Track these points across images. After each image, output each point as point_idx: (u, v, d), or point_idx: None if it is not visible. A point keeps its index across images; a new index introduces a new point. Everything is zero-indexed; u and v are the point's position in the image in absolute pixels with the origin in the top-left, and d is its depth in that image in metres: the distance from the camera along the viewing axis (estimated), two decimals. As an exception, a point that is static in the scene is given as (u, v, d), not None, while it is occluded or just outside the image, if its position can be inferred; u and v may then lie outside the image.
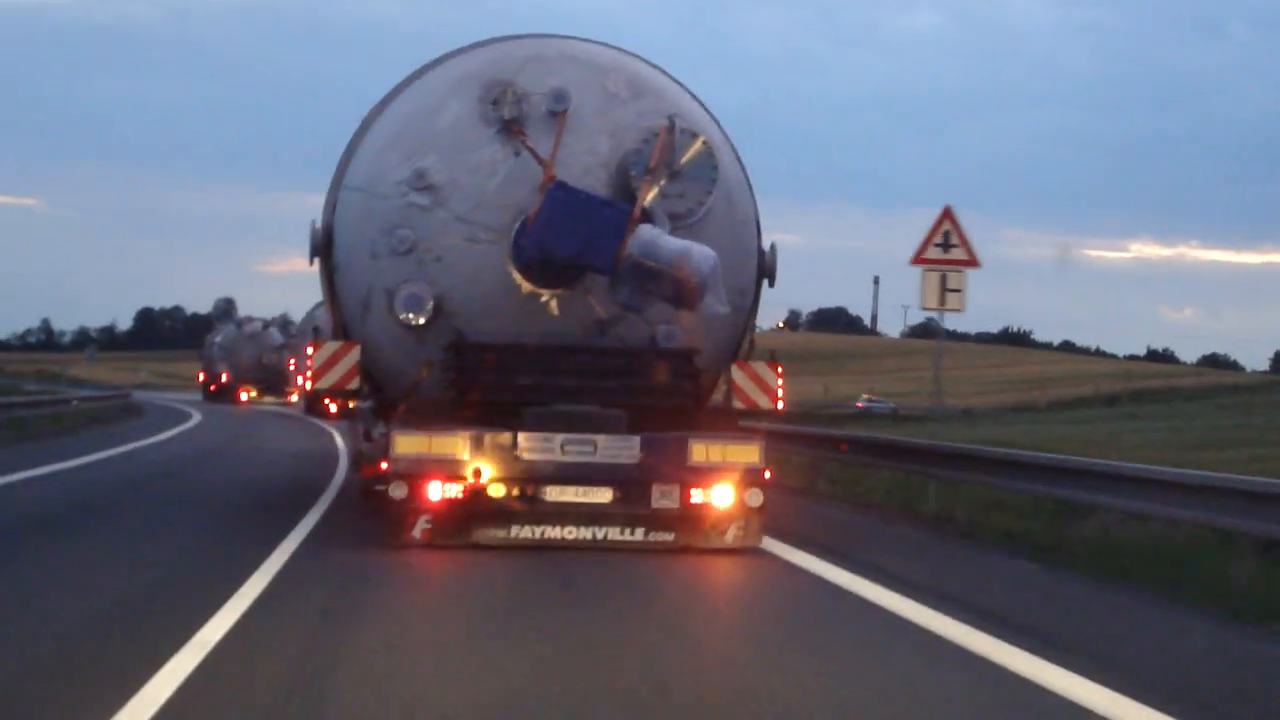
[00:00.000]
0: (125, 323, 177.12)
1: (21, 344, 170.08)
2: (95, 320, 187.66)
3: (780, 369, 15.77)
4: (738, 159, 16.05)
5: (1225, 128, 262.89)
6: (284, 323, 71.72)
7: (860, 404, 73.24)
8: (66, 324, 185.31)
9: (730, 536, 14.08)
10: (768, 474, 14.21)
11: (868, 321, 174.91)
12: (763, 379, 15.67)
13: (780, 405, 15.71)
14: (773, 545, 14.49)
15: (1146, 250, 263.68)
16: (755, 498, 14.03)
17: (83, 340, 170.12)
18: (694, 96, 16.12)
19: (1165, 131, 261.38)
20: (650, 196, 14.75)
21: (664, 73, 16.15)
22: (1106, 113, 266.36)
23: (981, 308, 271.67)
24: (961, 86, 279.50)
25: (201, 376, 75.64)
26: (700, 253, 14.36)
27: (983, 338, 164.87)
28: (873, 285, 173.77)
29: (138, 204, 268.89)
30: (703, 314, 14.62)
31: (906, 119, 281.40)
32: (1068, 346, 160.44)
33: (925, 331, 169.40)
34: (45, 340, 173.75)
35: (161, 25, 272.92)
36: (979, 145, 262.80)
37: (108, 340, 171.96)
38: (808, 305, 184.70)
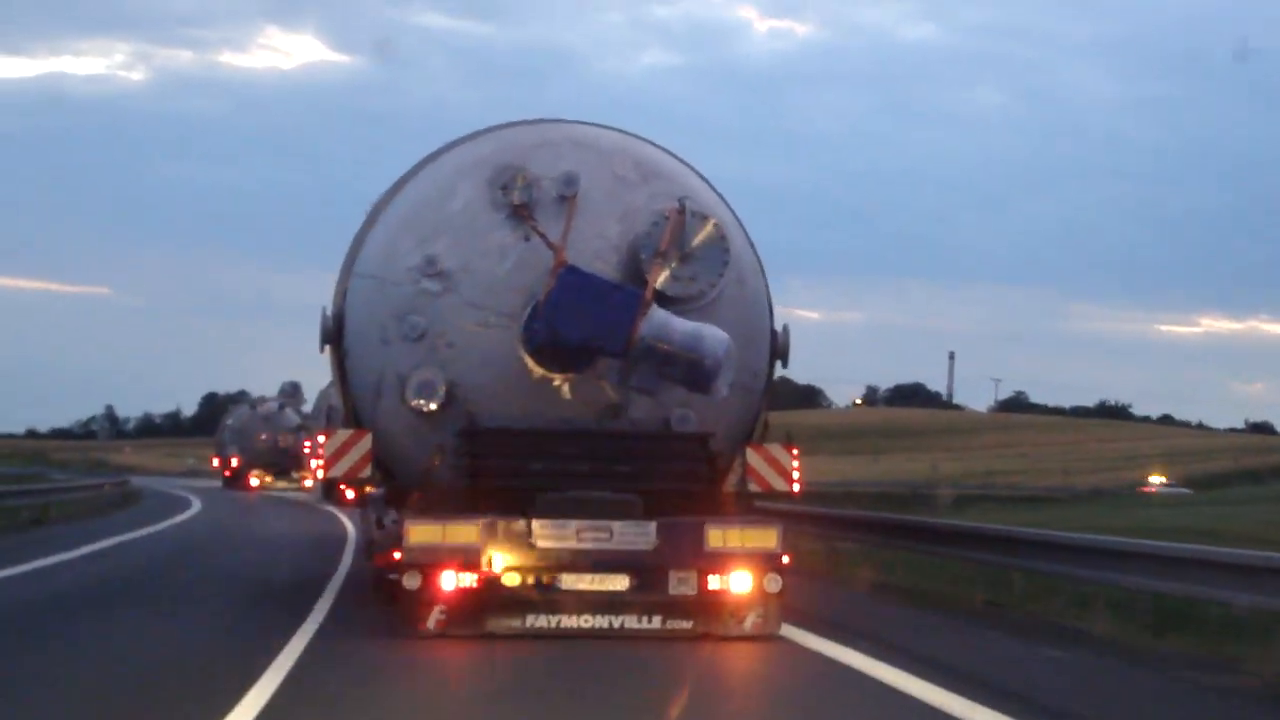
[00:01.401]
0: (190, 408, 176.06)
1: (84, 432, 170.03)
2: (160, 406, 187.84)
3: (796, 451, 15.61)
4: (749, 240, 16.00)
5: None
6: (290, 393, 68.87)
7: (1150, 488, 67.52)
8: (132, 410, 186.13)
9: (749, 624, 13.90)
10: (786, 559, 14.05)
11: (957, 397, 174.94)
12: (778, 461, 15.53)
13: (796, 488, 15.55)
14: (793, 633, 14.29)
15: (1217, 324, 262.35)
16: (774, 583, 13.86)
17: (146, 427, 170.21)
18: (703, 178, 16.10)
19: (1232, 204, 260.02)
20: (661, 279, 14.70)
21: (673, 155, 16.13)
22: (1172, 186, 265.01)
23: (1057, 382, 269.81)
24: (1026, 161, 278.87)
25: (216, 462, 71.36)
26: (713, 335, 14.30)
27: (1079, 411, 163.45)
28: (948, 360, 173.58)
29: (205, 289, 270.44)
30: (716, 397, 14.54)
31: (971, 194, 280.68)
32: (1167, 420, 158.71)
33: (1014, 405, 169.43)
34: (110, 427, 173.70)
35: (229, 114, 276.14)
36: (1045, 220, 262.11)
37: (172, 426, 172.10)
38: (884, 381, 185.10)
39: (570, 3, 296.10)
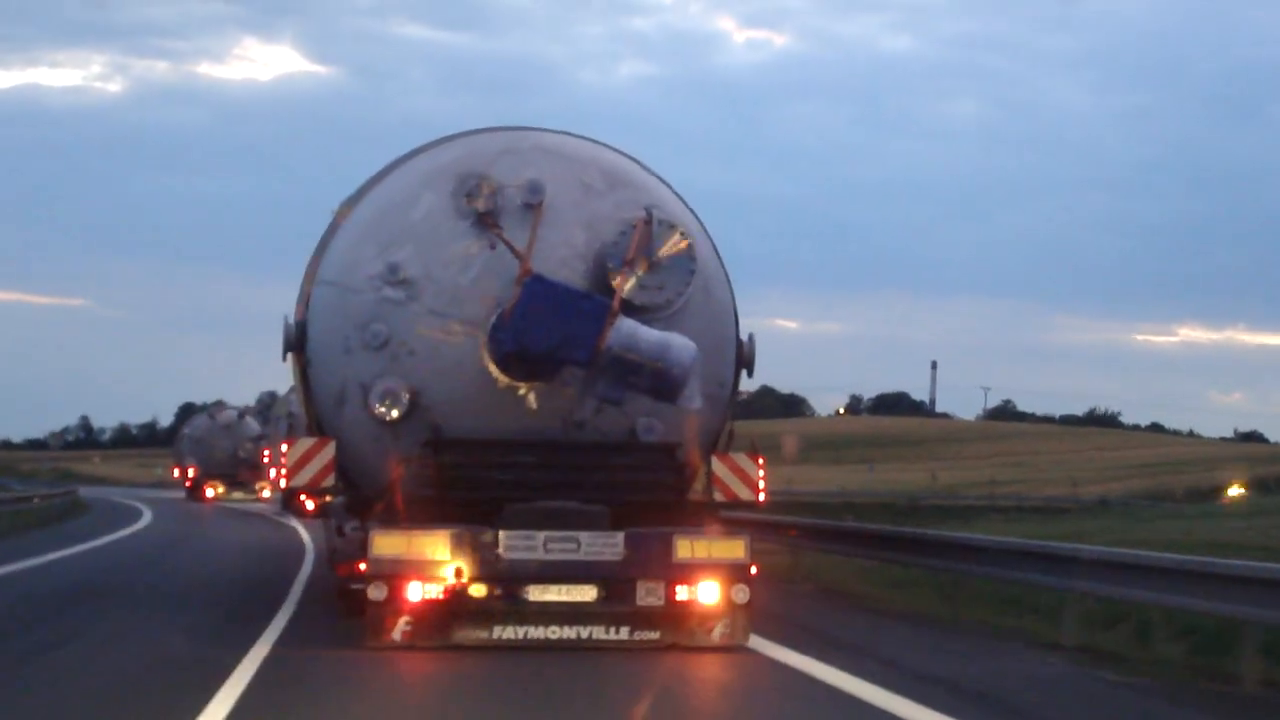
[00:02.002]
0: (166, 419, 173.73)
1: (59, 443, 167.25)
2: (139, 418, 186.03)
3: (762, 460, 15.57)
4: (715, 250, 15.94)
5: (1269, 211, 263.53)
6: (268, 403, 65.67)
7: (1228, 499, 62.01)
8: (108, 421, 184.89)
9: (717, 634, 13.86)
10: (754, 570, 14.02)
11: (940, 406, 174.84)
12: (744, 470, 15.47)
13: (762, 497, 15.50)
14: (760, 644, 14.23)
15: (1194, 335, 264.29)
16: (742, 594, 13.83)
17: (121, 438, 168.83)
18: (670, 188, 16.02)
19: (1209, 215, 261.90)
20: (628, 288, 14.63)
21: (639, 164, 16.05)
22: (1150, 198, 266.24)
23: (1037, 391, 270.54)
24: (1004, 173, 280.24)
25: (176, 472, 67.41)
26: (680, 344, 14.23)
27: (1069, 420, 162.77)
28: (930, 369, 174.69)
29: (184, 301, 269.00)
30: (682, 406, 14.48)
31: (949, 206, 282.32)
32: (1157, 428, 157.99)
33: (1003, 414, 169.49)
34: (85, 438, 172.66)
35: (206, 125, 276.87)
36: (1024, 232, 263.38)
37: (148, 437, 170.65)
38: (864, 391, 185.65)
39: (549, 14, 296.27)
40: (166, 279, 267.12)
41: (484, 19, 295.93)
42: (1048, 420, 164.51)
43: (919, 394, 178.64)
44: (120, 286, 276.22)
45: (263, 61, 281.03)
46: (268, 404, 62.19)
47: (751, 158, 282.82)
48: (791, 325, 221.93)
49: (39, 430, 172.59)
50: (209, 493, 62.65)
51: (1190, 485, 70.25)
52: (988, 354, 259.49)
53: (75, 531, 36.73)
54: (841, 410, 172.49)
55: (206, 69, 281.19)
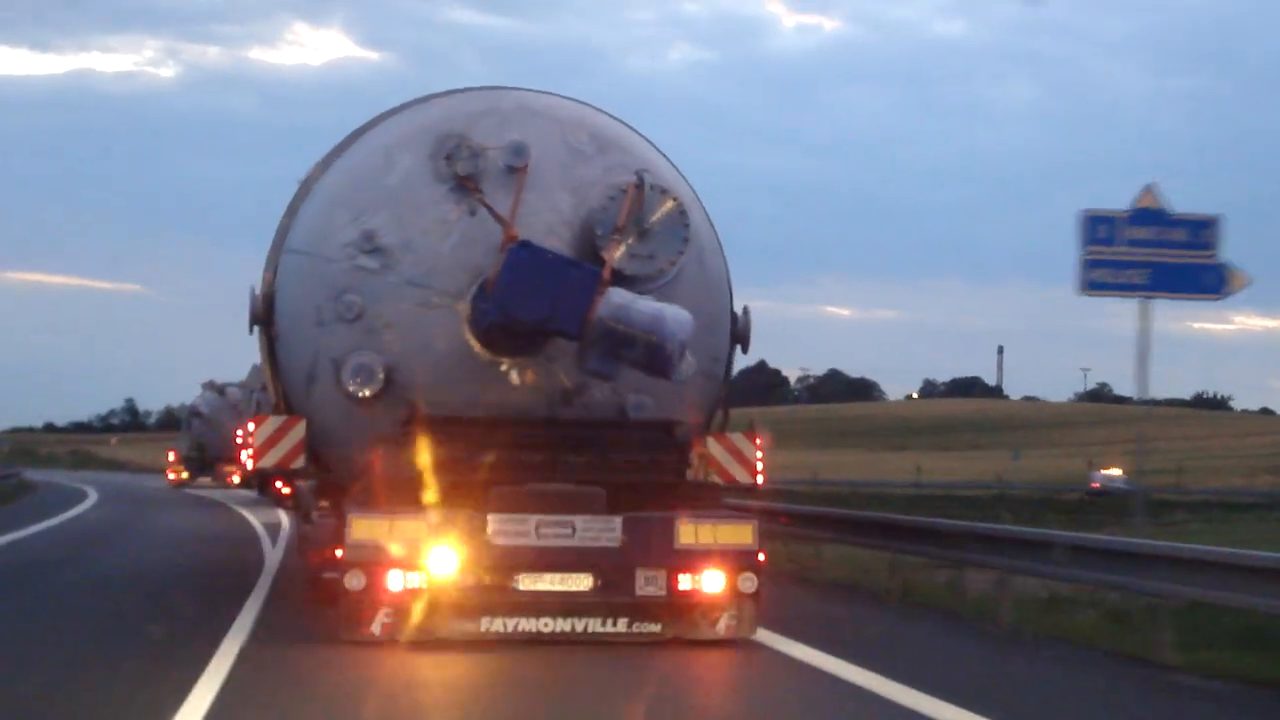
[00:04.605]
0: None
1: (104, 426, 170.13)
2: (183, 399, 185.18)
3: (760, 440, 14.72)
4: (708, 219, 15.08)
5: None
6: None
7: None
8: (154, 404, 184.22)
9: (722, 626, 13.01)
10: (762, 556, 13.15)
11: (1007, 391, 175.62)
12: (741, 451, 14.66)
13: (760, 480, 14.65)
14: (768, 637, 13.37)
15: (1250, 322, 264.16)
16: (749, 583, 12.98)
17: (166, 420, 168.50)
18: (661, 152, 15.19)
19: (1265, 198, 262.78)
20: (617, 257, 13.73)
21: (629, 126, 15.19)
22: (1204, 180, 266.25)
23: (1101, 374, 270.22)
24: (1057, 157, 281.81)
25: (172, 455, 58.47)
26: (675, 316, 13.35)
27: (1174, 404, 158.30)
28: (997, 354, 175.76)
29: (234, 285, 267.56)
30: (677, 382, 13.61)
31: (1006, 191, 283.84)
32: (1267, 413, 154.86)
33: (1097, 396, 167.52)
34: (130, 421, 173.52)
35: (257, 112, 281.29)
36: (1076, 217, 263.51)
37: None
38: (934, 375, 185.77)
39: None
40: (220, 264, 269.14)
41: (534, 3, 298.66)
42: (1155, 403, 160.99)
43: (985, 379, 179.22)
44: (175, 272, 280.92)
45: (313, 46, 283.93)
46: None
47: (802, 142, 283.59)
48: (845, 313, 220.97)
49: (85, 414, 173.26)
50: (170, 476, 57.02)
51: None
52: (1045, 339, 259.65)
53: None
54: (915, 394, 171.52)
55: (258, 54, 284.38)
